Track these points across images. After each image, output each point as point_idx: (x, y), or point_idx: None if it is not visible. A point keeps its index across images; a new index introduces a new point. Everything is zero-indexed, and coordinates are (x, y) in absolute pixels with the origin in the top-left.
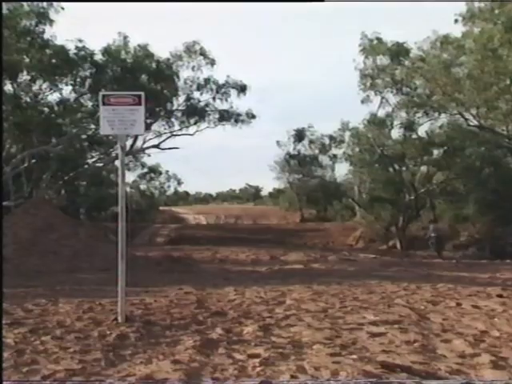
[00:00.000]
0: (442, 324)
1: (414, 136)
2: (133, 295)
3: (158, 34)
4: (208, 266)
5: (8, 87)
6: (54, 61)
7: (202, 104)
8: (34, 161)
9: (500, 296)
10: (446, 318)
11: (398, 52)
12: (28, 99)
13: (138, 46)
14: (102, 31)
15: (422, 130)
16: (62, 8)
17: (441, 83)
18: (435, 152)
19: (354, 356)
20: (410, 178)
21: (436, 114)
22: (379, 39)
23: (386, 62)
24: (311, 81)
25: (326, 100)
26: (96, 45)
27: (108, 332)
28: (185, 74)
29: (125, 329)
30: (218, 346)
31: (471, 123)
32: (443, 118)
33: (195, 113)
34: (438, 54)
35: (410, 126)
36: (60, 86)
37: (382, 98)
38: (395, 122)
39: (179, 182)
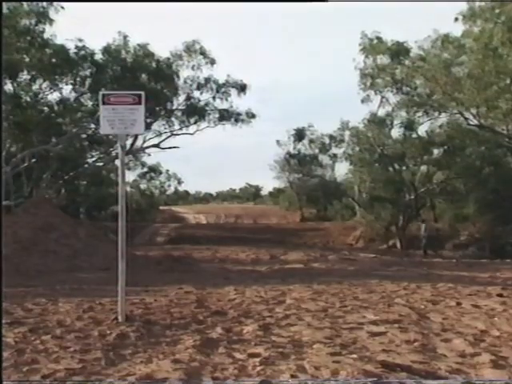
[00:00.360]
0: (442, 323)
1: (414, 135)
2: (133, 295)
3: (158, 34)
4: (208, 266)
5: (8, 86)
6: (54, 60)
7: (202, 103)
8: (34, 160)
9: (500, 295)
10: (446, 317)
11: (398, 51)
12: (28, 98)
13: (138, 45)
14: (102, 30)
15: (422, 130)
16: (62, 7)
17: (441, 82)
18: (435, 151)
19: (354, 355)
20: (410, 177)
21: (436, 114)
22: (379, 38)
23: (386, 62)
24: (311, 80)
25: (326, 99)
26: (96, 44)
27: (108, 331)
28: (185, 73)
29: (125, 328)
30: (218, 346)
31: (471, 122)
32: (443, 118)
33: (195, 112)
34: (439, 53)
35: (410, 126)
36: (60, 86)
37: (382, 97)
38: (395, 122)
39: (179, 182)
